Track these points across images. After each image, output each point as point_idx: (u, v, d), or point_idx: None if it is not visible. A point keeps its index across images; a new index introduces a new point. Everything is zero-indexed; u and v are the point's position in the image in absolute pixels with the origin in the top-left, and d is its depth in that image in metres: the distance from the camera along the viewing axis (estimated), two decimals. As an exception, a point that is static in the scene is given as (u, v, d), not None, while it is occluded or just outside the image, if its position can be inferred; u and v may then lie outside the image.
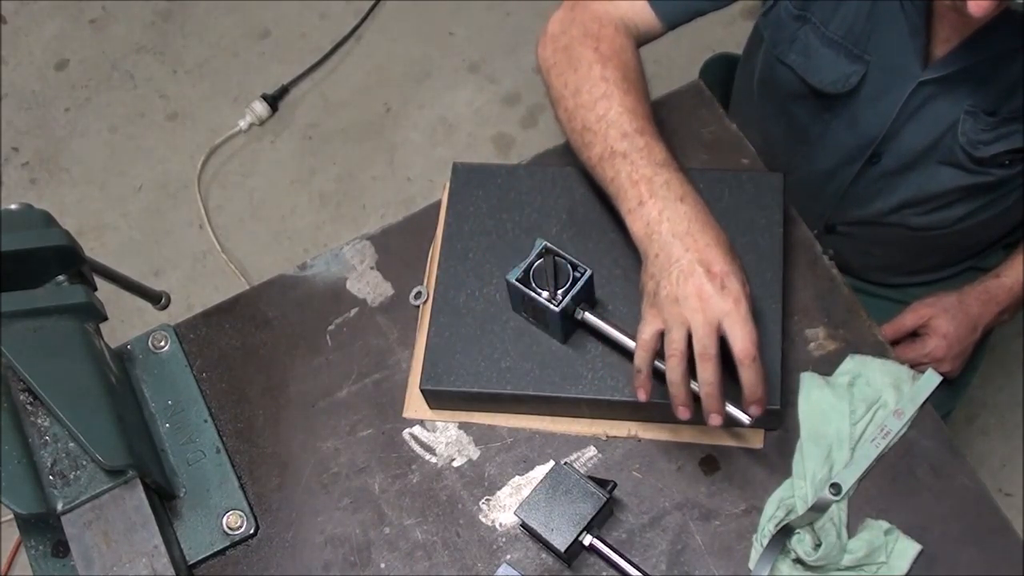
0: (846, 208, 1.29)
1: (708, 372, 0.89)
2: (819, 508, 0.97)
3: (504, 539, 1.01)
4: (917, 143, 1.16)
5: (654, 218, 0.93)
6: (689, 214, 0.93)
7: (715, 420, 0.90)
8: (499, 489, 1.04)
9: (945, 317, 1.27)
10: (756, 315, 0.91)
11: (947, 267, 1.38)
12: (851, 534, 0.97)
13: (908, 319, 1.29)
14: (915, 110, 1.13)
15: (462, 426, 1.07)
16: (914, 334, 1.30)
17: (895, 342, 1.28)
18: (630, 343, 0.98)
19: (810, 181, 1.29)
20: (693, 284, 0.89)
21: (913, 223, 1.26)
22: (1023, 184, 1.19)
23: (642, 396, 0.93)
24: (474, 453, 1.05)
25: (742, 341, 0.88)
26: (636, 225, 0.95)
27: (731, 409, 0.93)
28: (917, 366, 1.09)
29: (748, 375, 0.89)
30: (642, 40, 1.11)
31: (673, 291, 0.90)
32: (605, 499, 0.96)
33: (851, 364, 1.03)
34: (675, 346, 0.90)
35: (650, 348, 0.92)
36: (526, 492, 0.99)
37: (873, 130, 1.17)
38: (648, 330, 0.92)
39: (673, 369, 0.90)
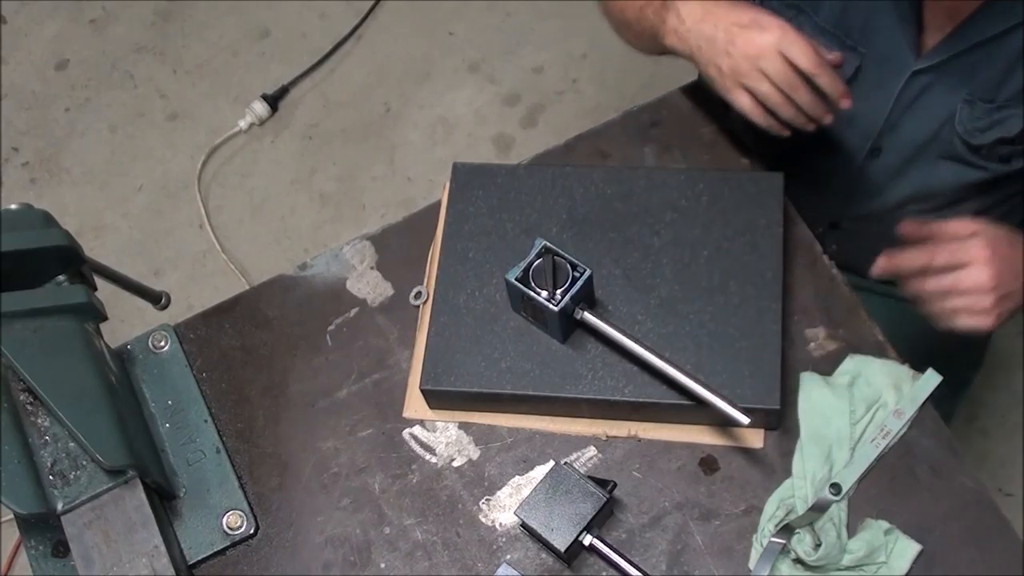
0: (850, 204, 1.29)
1: (803, 94, 0.98)
2: (819, 508, 0.97)
3: (504, 539, 1.01)
4: (917, 135, 1.15)
5: (675, 23, 1.03)
6: (699, 2, 1.02)
7: (846, 103, 1.00)
8: (499, 489, 1.03)
9: (994, 245, 0.97)
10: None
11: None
12: (851, 534, 0.97)
13: (952, 226, 1.01)
14: (912, 101, 1.13)
15: (462, 426, 1.06)
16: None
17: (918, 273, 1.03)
18: (630, 343, 0.99)
19: (813, 177, 1.28)
20: (741, 44, 0.98)
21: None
22: (1025, 183, 1.18)
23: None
24: (474, 453, 1.05)
25: (804, 55, 0.96)
26: (671, 40, 1.05)
27: (730, 409, 0.94)
28: (949, 303, 0.97)
29: (824, 80, 0.97)
30: None
31: (733, 63, 0.99)
32: (605, 499, 0.96)
33: (851, 364, 1.03)
34: (765, 89, 0.98)
35: (761, 105, 1.00)
36: (526, 492, 0.99)
37: (871, 123, 1.17)
38: (745, 100, 1.00)
39: (777, 97, 0.99)
